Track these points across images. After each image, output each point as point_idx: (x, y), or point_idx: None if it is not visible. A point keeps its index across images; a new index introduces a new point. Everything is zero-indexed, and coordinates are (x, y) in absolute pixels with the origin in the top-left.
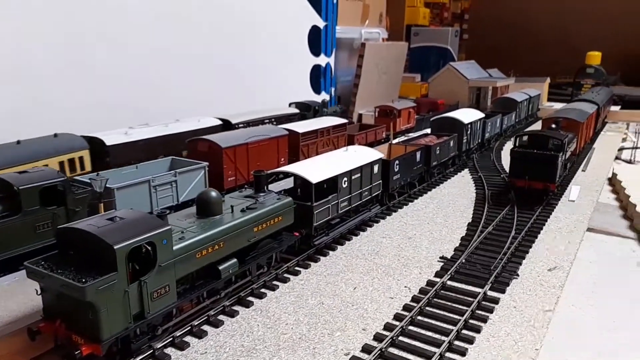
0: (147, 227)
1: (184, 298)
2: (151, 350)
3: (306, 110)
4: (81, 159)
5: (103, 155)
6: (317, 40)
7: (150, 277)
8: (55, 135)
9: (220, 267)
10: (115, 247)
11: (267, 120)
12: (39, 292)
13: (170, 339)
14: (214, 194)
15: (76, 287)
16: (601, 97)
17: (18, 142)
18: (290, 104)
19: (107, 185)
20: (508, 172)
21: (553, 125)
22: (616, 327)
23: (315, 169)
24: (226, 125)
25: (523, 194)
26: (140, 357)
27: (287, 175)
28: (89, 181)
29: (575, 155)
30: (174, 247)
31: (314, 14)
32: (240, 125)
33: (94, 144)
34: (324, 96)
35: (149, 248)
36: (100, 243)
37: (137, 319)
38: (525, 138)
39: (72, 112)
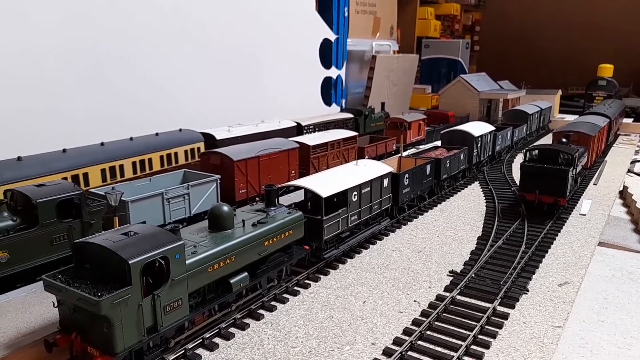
0: (160, 242)
1: (196, 311)
2: None
3: (358, 115)
4: (199, 149)
5: (214, 146)
6: (328, 53)
7: (163, 291)
8: (180, 130)
9: (232, 281)
10: (130, 262)
11: (330, 125)
12: (56, 304)
13: (182, 351)
14: (225, 208)
15: (92, 300)
16: (613, 109)
17: (157, 134)
18: (342, 110)
19: (122, 199)
20: (518, 186)
21: (563, 140)
22: (628, 344)
23: (326, 182)
24: (299, 127)
25: (533, 208)
26: None
27: (298, 188)
28: (104, 194)
29: (587, 169)
30: (187, 262)
31: (325, 27)
32: (310, 128)
33: (207, 138)
34: (334, 108)
35: (162, 262)
36: (116, 257)
37: (150, 332)
38: (535, 152)
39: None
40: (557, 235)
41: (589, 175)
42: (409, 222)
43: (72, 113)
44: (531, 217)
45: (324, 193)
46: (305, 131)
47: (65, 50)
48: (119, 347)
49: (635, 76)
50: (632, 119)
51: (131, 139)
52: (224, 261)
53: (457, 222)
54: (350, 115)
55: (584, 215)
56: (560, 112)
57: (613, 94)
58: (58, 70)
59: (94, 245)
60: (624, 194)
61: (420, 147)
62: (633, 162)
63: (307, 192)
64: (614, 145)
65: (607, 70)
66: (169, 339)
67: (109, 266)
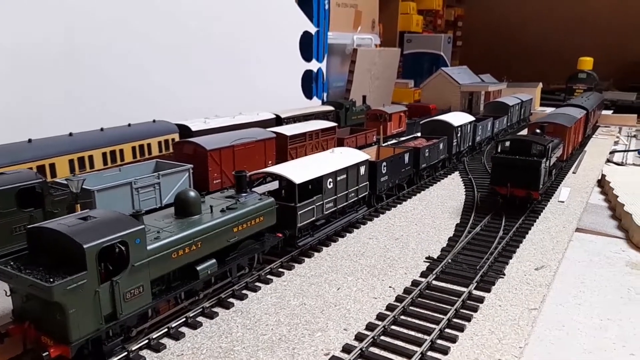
0: (119, 226)
1: (159, 299)
2: (125, 353)
3: (339, 108)
4: (173, 140)
5: (189, 137)
6: (308, 46)
7: (122, 277)
8: (154, 121)
9: (198, 268)
10: (85, 246)
11: (310, 117)
12: (8, 293)
13: (146, 340)
14: (192, 193)
15: (43, 287)
16: (591, 102)
17: (129, 125)
18: (323, 103)
19: (87, 187)
20: (490, 179)
21: (537, 130)
22: (604, 326)
23: (300, 169)
24: (278, 119)
25: (505, 201)
26: (114, 359)
27: (274, 178)
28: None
29: (563, 161)
30: (149, 247)
31: (305, 20)
32: (290, 121)
33: (182, 129)
34: (315, 102)
35: (122, 248)
36: (70, 242)
37: (109, 320)
38: (507, 144)
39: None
40: (535, 221)
41: (565, 168)
42: (387, 211)
43: (41, 103)
44: (502, 211)
45: (298, 179)
46: (284, 123)
47: (34, 39)
48: (74, 335)
49: (616, 71)
50: (612, 111)
51: (102, 129)
52: (189, 247)
53: (436, 211)
54: (331, 108)
55: (563, 202)
56: (542, 105)
57: (593, 86)
58: (25, 58)
59: (48, 230)
60: (601, 183)
61: (402, 138)
62: (612, 152)
63: (281, 179)
64: (594, 136)
65: (587, 63)
66: (130, 328)
67: (64, 252)
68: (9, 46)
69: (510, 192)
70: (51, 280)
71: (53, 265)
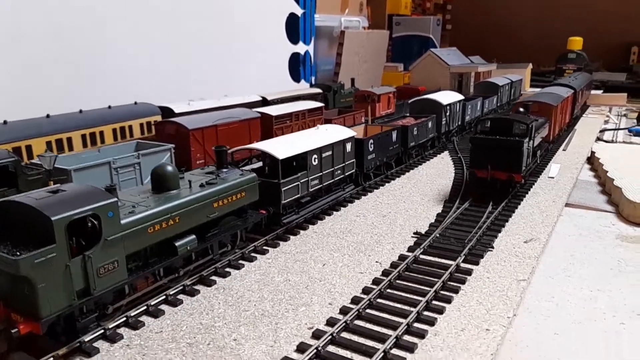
0: (91, 199)
1: (136, 275)
2: (101, 330)
3: (327, 90)
4: (156, 122)
5: None
6: (295, 28)
7: (95, 251)
8: (136, 103)
9: (177, 244)
10: (52, 219)
11: (298, 99)
12: None
13: (124, 318)
14: (169, 168)
15: (9, 260)
16: (579, 81)
17: (109, 107)
18: (312, 85)
19: (63, 167)
20: (468, 162)
21: (521, 109)
22: (594, 297)
23: (283, 145)
24: (264, 101)
25: (485, 186)
26: (90, 336)
27: (258, 157)
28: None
29: (549, 142)
30: (123, 221)
31: (291, 1)
32: (275, 102)
33: (165, 112)
34: (303, 85)
35: (95, 222)
36: (38, 215)
37: (82, 296)
38: (487, 123)
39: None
40: (524, 196)
41: (555, 146)
42: (374, 190)
43: (18, 85)
44: (482, 198)
45: (281, 155)
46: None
47: (8, 17)
48: (44, 311)
49: (605, 52)
50: (602, 91)
51: (80, 111)
52: (166, 222)
53: (425, 189)
54: (318, 91)
55: (552, 178)
56: (532, 87)
57: (583, 67)
58: (4, 40)
59: (16, 203)
60: (591, 160)
61: (389, 118)
62: (602, 130)
63: (264, 155)
64: (584, 115)
65: (576, 43)
66: (106, 305)
67: (32, 226)
68: None
69: (491, 175)
70: (18, 253)
71: (21, 240)
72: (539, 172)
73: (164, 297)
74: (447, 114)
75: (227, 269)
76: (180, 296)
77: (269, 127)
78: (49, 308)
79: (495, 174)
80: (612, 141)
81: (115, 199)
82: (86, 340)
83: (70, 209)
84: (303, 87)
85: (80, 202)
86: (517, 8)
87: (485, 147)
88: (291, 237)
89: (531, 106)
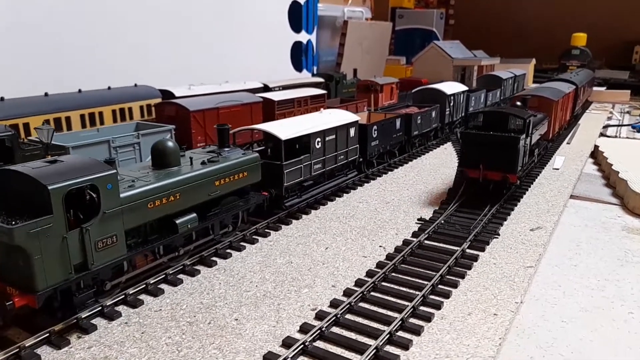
0: (89, 170)
1: (135, 251)
2: (99, 307)
3: (329, 80)
4: (156, 104)
5: None
6: (297, 16)
7: (93, 224)
8: (136, 85)
9: (178, 221)
10: (49, 188)
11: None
12: None
13: (122, 296)
14: (170, 143)
15: (3, 229)
16: (580, 77)
17: (109, 88)
18: (314, 75)
19: (62, 144)
20: (459, 160)
21: (518, 103)
22: (601, 285)
23: (287, 127)
24: (266, 88)
25: (477, 187)
26: (87, 313)
27: (262, 139)
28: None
29: (548, 140)
30: (122, 195)
31: None
32: (276, 89)
33: (165, 95)
34: (305, 74)
35: (94, 195)
36: (35, 184)
37: (79, 270)
38: (480, 117)
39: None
40: (529, 186)
41: (560, 139)
42: (377, 177)
43: (14, 65)
44: (473, 201)
45: (284, 136)
46: None
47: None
48: (39, 284)
49: (609, 50)
50: (605, 88)
51: (80, 91)
52: (166, 198)
53: (428, 177)
54: (320, 80)
55: (557, 169)
56: (534, 82)
57: (586, 63)
58: (2, 17)
59: (12, 172)
60: (595, 154)
61: (393, 106)
62: (606, 126)
63: (267, 136)
64: (588, 111)
65: (580, 39)
66: (104, 281)
67: (29, 195)
68: None
69: (484, 175)
70: (13, 223)
71: (17, 210)
72: (543, 163)
73: (163, 275)
74: (451, 104)
75: (228, 250)
76: (180, 276)
77: (271, 112)
78: (44, 281)
79: (488, 174)
80: (615, 137)
81: (115, 171)
82: (83, 316)
83: (68, 179)
84: (305, 76)
85: (79, 172)
86: (520, 3)
87: (478, 143)
88: (293, 221)
89: (529, 100)
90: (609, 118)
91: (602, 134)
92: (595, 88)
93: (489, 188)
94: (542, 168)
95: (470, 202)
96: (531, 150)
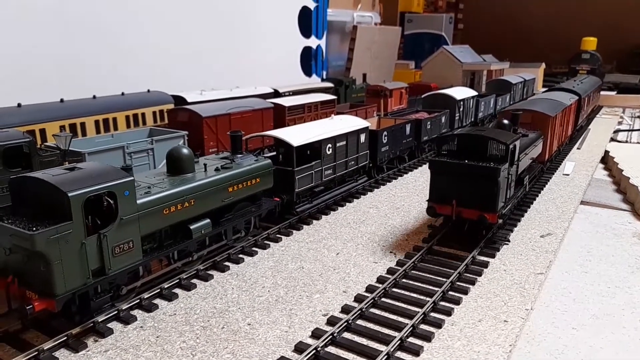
0: (107, 177)
1: (151, 257)
2: (115, 311)
3: (339, 85)
4: (168, 110)
5: None
6: (307, 22)
7: (111, 230)
8: (149, 91)
9: (192, 227)
10: (69, 195)
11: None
12: None
13: (137, 300)
14: (185, 150)
15: (25, 235)
16: (585, 86)
17: (123, 94)
18: (323, 80)
19: (78, 150)
20: (429, 193)
21: (505, 121)
22: (612, 292)
23: (298, 133)
24: (276, 93)
25: (451, 225)
26: (104, 317)
27: (273, 145)
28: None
29: (544, 162)
30: (139, 201)
31: None
32: (287, 94)
33: (178, 100)
34: (315, 79)
35: (111, 202)
36: (55, 191)
37: (97, 275)
38: (454, 141)
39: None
40: (540, 192)
41: (570, 144)
42: (387, 183)
43: (30, 72)
44: (446, 241)
45: (296, 142)
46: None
47: (21, 7)
48: (59, 288)
49: (619, 54)
50: (615, 92)
51: (94, 97)
52: (181, 204)
53: None
54: (330, 85)
55: (567, 175)
56: (544, 87)
57: (596, 67)
58: (14, 25)
59: (32, 179)
60: (605, 159)
61: (402, 112)
62: (616, 131)
63: (279, 142)
64: (598, 116)
65: (590, 43)
66: (120, 286)
67: (48, 202)
68: None
69: (457, 212)
70: (34, 229)
71: (37, 216)
72: (553, 169)
73: (177, 280)
74: (461, 109)
75: (241, 255)
76: (194, 281)
77: (282, 117)
78: (64, 286)
79: (462, 211)
80: (626, 142)
81: (132, 178)
82: (100, 320)
83: (87, 186)
84: (314, 81)
85: (97, 179)
86: (530, 8)
87: (449, 174)
88: (304, 226)
89: (521, 116)
90: (620, 123)
91: (612, 139)
92: (605, 92)
93: (463, 228)
94: (552, 174)
95: None
96: (520, 179)
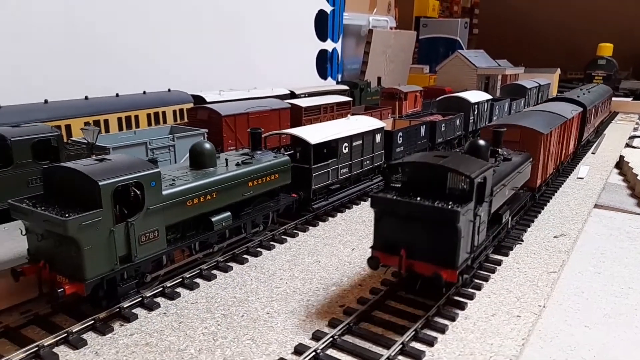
0: (135, 168)
1: (174, 246)
2: (140, 298)
3: (354, 88)
4: (188, 109)
5: None
6: (323, 25)
7: (138, 219)
8: (169, 90)
9: (213, 219)
10: (100, 184)
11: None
12: (24, 232)
13: (160, 288)
14: (207, 145)
15: (58, 221)
16: (592, 96)
17: (144, 92)
18: (338, 83)
19: (103, 145)
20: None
21: (481, 142)
22: (625, 293)
23: (316, 132)
24: (292, 94)
25: (402, 280)
26: (129, 303)
27: (287, 148)
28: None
29: (535, 189)
30: (164, 192)
31: None
32: (303, 95)
33: (197, 100)
34: (330, 82)
35: (138, 192)
36: (86, 180)
37: (123, 262)
38: (406, 169)
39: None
40: (554, 195)
41: (585, 149)
42: None
43: (56, 70)
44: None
45: (313, 140)
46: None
47: (51, 5)
48: (88, 273)
49: (635, 60)
50: (631, 98)
51: (117, 95)
52: (204, 196)
53: None
54: (345, 87)
55: (582, 178)
56: (559, 92)
57: (612, 73)
58: (42, 24)
59: (64, 169)
60: (620, 164)
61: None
62: (632, 137)
63: (296, 140)
64: (613, 121)
65: (606, 49)
66: (145, 274)
67: (79, 190)
68: (23, 7)
69: (407, 265)
70: (66, 215)
71: (68, 204)
72: (567, 173)
73: (198, 270)
74: (475, 112)
75: (259, 249)
76: (214, 271)
77: (299, 118)
78: (93, 271)
79: (414, 264)
80: None
81: (159, 170)
82: (125, 306)
83: (116, 176)
84: (330, 84)
85: (126, 170)
86: (545, 13)
87: (397, 215)
88: (320, 223)
89: (505, 133)
90: (635, 129)
91: (627, 145)
92: (621, 99)
93: (415, 285)
94: (566, 177)
95: None
96: (495, 217)
